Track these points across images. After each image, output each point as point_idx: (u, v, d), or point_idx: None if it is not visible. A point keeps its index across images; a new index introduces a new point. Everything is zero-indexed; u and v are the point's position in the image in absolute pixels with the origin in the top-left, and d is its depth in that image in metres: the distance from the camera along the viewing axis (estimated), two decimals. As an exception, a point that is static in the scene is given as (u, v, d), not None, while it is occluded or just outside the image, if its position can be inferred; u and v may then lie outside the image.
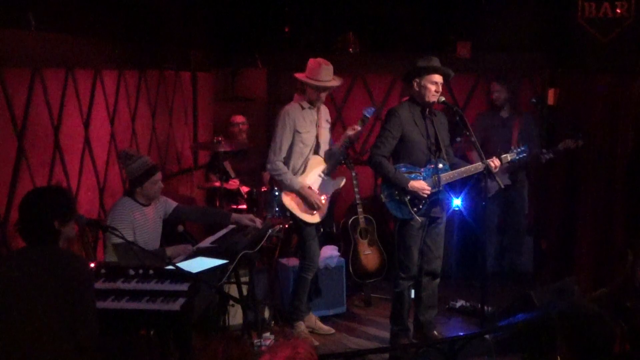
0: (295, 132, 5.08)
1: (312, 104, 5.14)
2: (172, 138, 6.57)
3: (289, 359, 2.27)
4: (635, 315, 4.21)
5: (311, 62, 5.09)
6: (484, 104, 7.27)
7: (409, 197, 4.74)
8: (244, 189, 6.50)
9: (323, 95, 5.12)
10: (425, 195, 4.71)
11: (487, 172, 4.73)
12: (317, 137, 5.17)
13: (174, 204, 4.70)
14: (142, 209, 4.39)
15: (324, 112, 5.28)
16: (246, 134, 6.89)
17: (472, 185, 5.51)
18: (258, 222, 4.78)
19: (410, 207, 4.74)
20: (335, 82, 5.14)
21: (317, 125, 5.17)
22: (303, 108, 5.12)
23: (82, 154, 4.86)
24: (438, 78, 4.74)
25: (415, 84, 4.77)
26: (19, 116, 4.13)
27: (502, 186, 4.81)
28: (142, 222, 4.36)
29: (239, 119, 6.90)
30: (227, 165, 6.78)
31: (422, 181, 4.72)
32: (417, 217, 4.76)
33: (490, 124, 6.40)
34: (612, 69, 6.30)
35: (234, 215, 4.84)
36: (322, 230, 5.41)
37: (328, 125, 5.31)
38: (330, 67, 5.08)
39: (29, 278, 2.99)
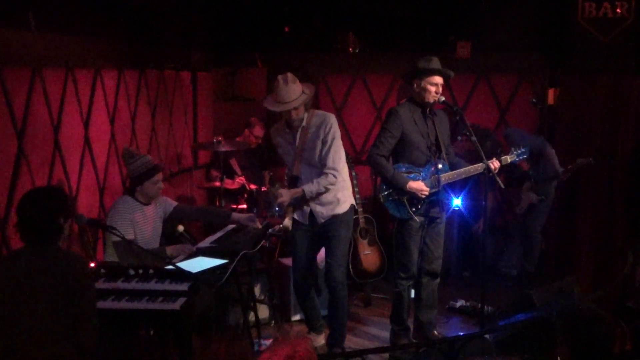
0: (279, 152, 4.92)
1: (289, 124, 4.68)
2: (172, 138, 6.57)
3: (288, 358, 2.27)
4: (637, 316, 4.22)
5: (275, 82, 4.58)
6: (484, 104, 7.29)
7: (407, 197, 4.73)
8: (252, 187, 6.47)
9: (296, 113, 4.54)
10: (424, 196, 4.71)
11: (488, 172, 4.72)
12: (300, 159, 4.68)
13: (173, 203, 4.70)
14: (142, 208, 4.39)
15: (314, 130, 4.62)
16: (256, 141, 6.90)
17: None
18: (258, 222, 4.78)
19: (408, 207, 4.73)
20: (292, 104, 4.49)
21: (296, 147, 4.66)
22: (279, 129, 4.78)
23: (82, 154, 4.86)
24: (438, 79, 4.72)
25: (415, 85, 4.76)
26: (19, 116, 4.13)
27: (503, 187, 4.81)
28: (142, 221, 4.36)
29: (260, 132, 6.89)
30: (234, 163, 6.77)
31: (421, 182, 4.70)
32: (416, 217, 4.76)
33: None
34: (612, 69, 6.32)
35: (234, 215, 4.83)
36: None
37: (321, 145, 4.59)
38: (289, 85, 4.49)
39: (29, 278, 2.99)
